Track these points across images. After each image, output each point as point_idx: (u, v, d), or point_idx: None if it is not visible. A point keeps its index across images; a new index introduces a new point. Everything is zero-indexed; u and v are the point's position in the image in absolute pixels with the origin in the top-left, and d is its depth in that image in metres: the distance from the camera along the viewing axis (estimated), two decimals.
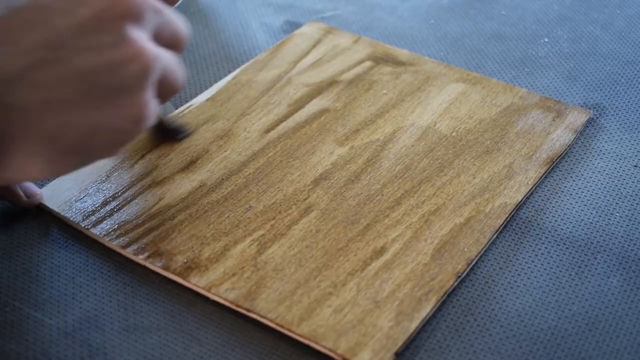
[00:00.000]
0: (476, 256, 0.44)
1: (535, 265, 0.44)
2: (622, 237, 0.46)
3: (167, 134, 0.51)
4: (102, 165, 0.49)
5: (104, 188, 0.48)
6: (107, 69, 0.33)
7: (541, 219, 0.47)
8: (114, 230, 0.45)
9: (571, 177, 0.50)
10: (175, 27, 0.38)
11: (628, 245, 0.45)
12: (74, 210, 0.46)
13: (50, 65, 0.32)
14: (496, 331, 0.40)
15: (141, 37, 0.35)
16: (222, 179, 0.48)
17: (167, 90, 0.38)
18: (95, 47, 0.33)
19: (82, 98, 0.34)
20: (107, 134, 0.35)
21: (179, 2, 0.39)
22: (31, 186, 0.46)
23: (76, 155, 0.35)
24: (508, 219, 0.46)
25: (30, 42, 0.32)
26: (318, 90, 0.56)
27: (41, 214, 0.47)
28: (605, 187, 0.49)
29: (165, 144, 0.51)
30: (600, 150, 0.52)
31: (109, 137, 0.36)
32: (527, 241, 0.45)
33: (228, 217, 0.46)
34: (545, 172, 0.49)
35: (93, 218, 0.46)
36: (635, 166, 0.50)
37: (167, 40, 0.37)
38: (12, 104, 0.32)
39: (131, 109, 0.35)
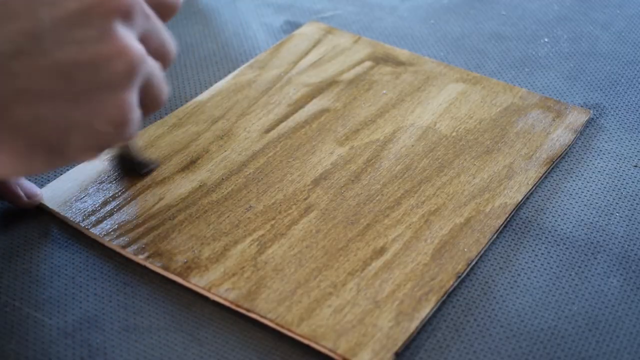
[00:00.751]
0: (476, 256, 0.44)
1: (535, 265, 0.44)
2: (622, 237, 0.46)
3: (132, 167, 0.48)
4: (102, 165, 0.49)
5: (104, 188, 0.48)
6: (89, 64, 0.33)
7: (541, 219, 0.47)
8: (114, 230, 0.45)
9: (571, 177, 0.50)
10: (163, 37, 0.37)
11: (628, 245, 0.45)
12: (74, 210, 0.46)
13: (28, 56, 0.31)
14: (496, 331, 0.40)
15: (129, 35, 0.34)
16: (222, 179, 0.48)
17: (150, 101, 0.37)
18: (79, 41, 0.32)
19: (60, 92, 0.33)
20: (83, 133, 0.34)
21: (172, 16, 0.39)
22: (32, 187, 0.46)
23: (48, 152, 0.34)
24: (508, 219, 0.46)
25: (10, 31, 0.31)
26: (318, 90, 0.56)
27: (41, 214, 0.47)
28: (605, 187, 0.49)
29: (128, 176, 0.48)
30: (600, 150, 0.52)
31: (85, 137, 0.34)
32: (527, 241, 0.45)
33: (228, 217, 0.46)
34: (545, 172, 0.49)
35: (93, 218, 0.46)
36: (635, 166, 0.50)
37: (155, 48, 0.37)
38: None
39: (112, 109, 0.34)
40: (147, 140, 0.51)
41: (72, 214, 0.46)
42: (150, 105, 0.37)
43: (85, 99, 0.33)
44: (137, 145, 0.48)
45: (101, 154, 0.37)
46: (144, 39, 0.36)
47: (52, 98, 0.33)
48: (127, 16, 0.34)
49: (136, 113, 0.36)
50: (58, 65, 0.32)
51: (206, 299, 0.42)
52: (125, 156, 0.48)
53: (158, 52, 0.37)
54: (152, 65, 0.36)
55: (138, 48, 0.34)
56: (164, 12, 0.38)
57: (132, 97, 0.35)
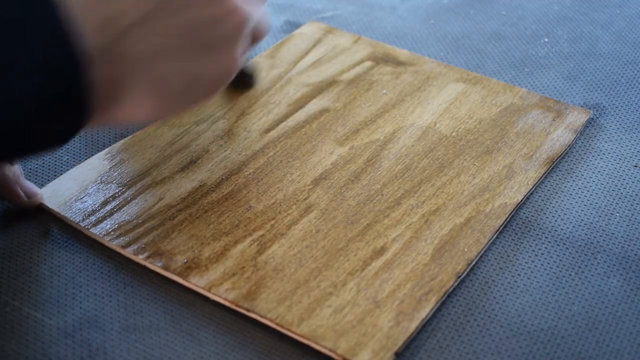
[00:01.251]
0: (476, 256, 0.44)
1: (535, 265, 0.44)
2: (622, 237, 0.46)
3: (241, 80, 0.53)
4: (102, 165, 0.49)
5: (104, 188, 0.48)
6: (208, 23, 0.37)
7: (541, 219, 0.47)
8: (114, 230, 0.45)
9: (571, 177, 0.50)
10: None
11: (628, 245, 0.45)
12: (74, 210, 0.46)
13: (163, 16, 0.35)
14: (496, 331, 0.40)
15: None
16: (222, 179, 0.48)
17: (255, 38, 0.42)
18: (197, 3, 0.36)
19: (186, 48, 0.37)
20: (204, 81, 0.39)
21: None
22: (31, 186, 0.46)
23: (179, 99, 0.38)
24: (508, 219, 0.46)
25: None
26: (318, 90, 0.56)
27: (41, 214, 0.47)
28: (605, 187, 0.49)
29: (237, 90, 0.54)
30: (600, 150, 0.52)
31: (206, 84, 0.39)
32: (527, 241, 0.45)
33: (228, 217, 0.46)
34: (545, 172, 0.49)
35: (93, 218, 0.46)
36: (635, 166, 0.50)
37: None
38: (128, 49, 0.35)
39: (225, 61, 0.39)
40: (147, 140, 0.51)
41: (72, 214, 0.46)
42: (256, 40, 0.42)
43: (205, 54, 0.37)
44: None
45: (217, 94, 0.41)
46: None
47: (180, 53, 0.37)
48: None
49: (243, 58, 0.40)
50: (185, 24, 0.36)
51: (206, 299, 0.42)
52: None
53: None
54: (257, 12, 0.40)
55: (245, 8, 0.38)
56: None
57: (241, 48, 0.39)
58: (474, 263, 0.43)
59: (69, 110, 0.34)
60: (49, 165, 0.50)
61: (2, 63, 0.31)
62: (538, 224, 0.46)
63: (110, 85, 0.35)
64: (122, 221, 0.45)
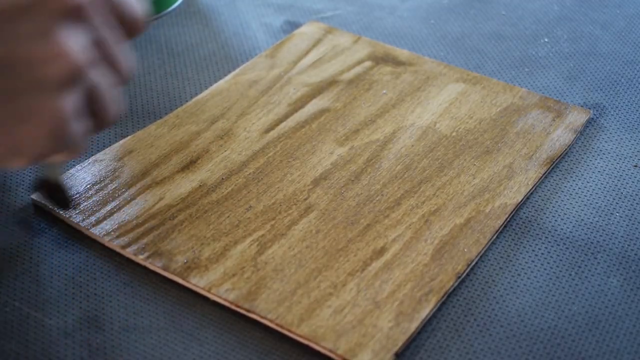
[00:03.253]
0: (476, 256, 0.44)
1: (535, 265, 0.44)
2: (622, 237, 0.46)
3: (55, 195, 0.44)
4: (102, 165, 0.49)
5: (104, 188, 0.48)
6: (23, 61, 0.30)
7: (541, 219, 0.47)
8: (114, 230, 0.45)
9: (571, 177, 0.50)
10: (119, 50, 0.34)
11: (628, 245, 0.45)
12: (74, 210, 0.46)
13: None
14: (496, 331, 0.40)
15: (73, 38, 0.31)
16: (222, 179, 0.48)
17: (97, 115, 0.34)
18: (18, 37, 0.30)
19: None
20: (12, 136, 0.32)
21: (144, 31, 0.36)
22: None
23: None
24: (508, 219, 0.46)
25: None
26: (318, 90, 0.56)
27: (41, 214, 0.47)
28: (605, 187, 0.49)
29: (51, 203, 0.45)
30: (600, 150, 0.52)
31: (14, 141, 0.32)
32: (527, 241, 0.45)
33: (228, 217, 0.46)
34: (545, 172, 0.49)
35: (93, 218, 0.46)
36: (635, 166, 0.50)
37: (109, 60, 0.34)
38: None
39: (43, 114, 0.31)
40: (147, 140, 0.51)
41: (72, 214, 0.46)
42: (98, 119, 0.35)
43: (16, 99, 0.31)
44: (60, 175, 0.45)
45: (33, 163, 0.34)
46: (97, 46, 0.33)
47: None
48: (76, 16, 0.31)
49: (74, 124, 0.33)
50: None
51: (206, 299, 0.42)
52: (51, 183, 0.43)
53: (112, 64, 0.34)
54: (100, 76, 0.33)
55: (79, 54, 0.31)
56: (129, 29, 0.35)
57: (68, 106, 0.32)
58: (474, 263, 0.44)
59: None
60: None
61: None
62: (538, 224, 0.46)
63: None
64: (122, 221, 0.45)
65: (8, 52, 0.30)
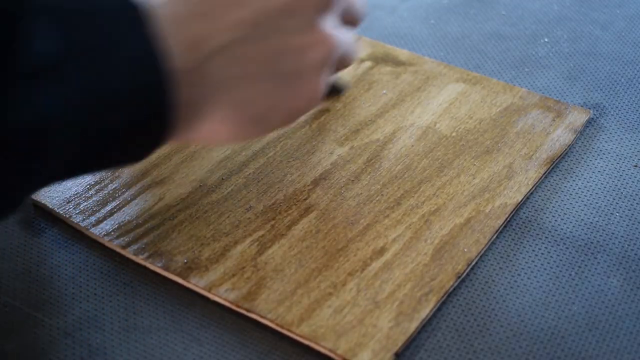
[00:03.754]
0: (476, 256, 0.44)
1: (535, 265, 0.44)
2: (622, 237, 0.46)
3: (331, 91, 0.53)
4: None
5: (104, 188, 0.48)
6: (296, 51, 0.37)
7: (541, 219, 0.47)
8: (114, 230, 0.45)
9: (571, 177, 0.50)
10: (357, 8, 0.42)
11: (628, 245, 0.45)
12: (74, 210, 0.46)
13: (250, 42, 0.35)
14: (496, 331, 0.40)
15: (327, 24, 0.38)
16: (222, 179, 0.48)
17: (342, 65, 0.42)
18: (286, 31, 0.36)
19: (269, 76, 0.37)
20: (284, 109, 0.39)
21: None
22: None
23: (258, 125, 0.38)
24: (508, 219, 0.46)
25: (235, 19, 0.35)
26: None
27: (41, 214, 0.47)
28: (605, 187, 0.49)
29: (327, 99, 0.53)
30: (600, 150, 0.52)
31: (286, 112, 0.39)
32: (527, 241, 0.45)
33: (228, 217, 0.46)
34: (545, 172, 0.49)
35: (93, 218, 0.46)
36: (635, 166, 0.50)
37: (349, 20, 0.42)
38: (211, 73, 0.35)
39: (308, 91, 0.38)
40: None
41: (72, 214, 0.46)
42: (342, 67, 0.43)
43: (289, 83, 0.38)
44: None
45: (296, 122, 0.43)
46: (341, 17, 0.41)
47: (264, 80, 0.37)
48: (327, 7, 0.38)
49: (326, 85, 0.40)
50: (271, 51, 0.36)
51: (206, 299, 0.42)
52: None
53: (352, 22, 0.42)
54: (346, 41, 0.40)
55: (335, 37, 0.38)
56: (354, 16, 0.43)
57: (324, 78, 0.39)
58: (474, 263, 0.43)
59: (152, 129, 0.34)
60: None
61: (94, 79, 0.32)
62: (538, 224, 0.46)
63: (191, 107, 0.35)
64: (122, 221, 0.45)
65: (282, 45, 0.36)
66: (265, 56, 0.36)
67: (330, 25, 0.38)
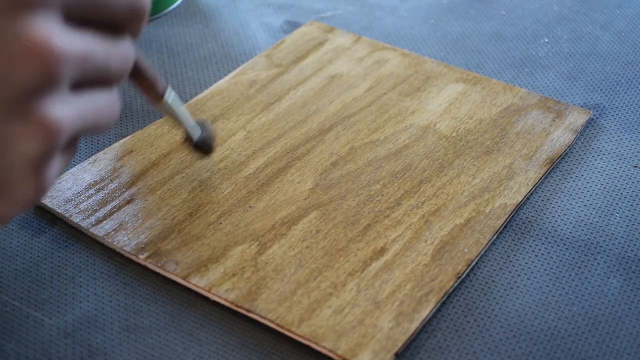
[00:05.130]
0: (476, 257, 0.44)
1: (535, 266, 0.44)
2: (622, 237, 0.46)
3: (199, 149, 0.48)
4: (102, 165, 0.49)
5: (104, 188, 0.48)
6: None
7: (541, 219, 0.47)
8: (114, 230, 0.45)
9: (571, 177, 0.50)
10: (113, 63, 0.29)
11: (628, 246, 0.45)
12: (74, 210, 0.46)
13: None
14: (496, 331, 0.40)
15: (50, 102, 0.27)
16: (222, 178, 0.48)
17: (97, 124, 0.30)
18: None
19: None
20: None
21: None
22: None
23: None
24: (508, 219, 0.46)
25: None
26: (318, 90, 0.56)
27: (41, 213, 0.47)
28: (605, 188, 0.49)
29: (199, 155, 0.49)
30: (600, 151, 0.52)
31: None
32: (527, 241, 0.45)
33: (228, 217, 0.46)
34: (545, 172, 0.49)
35: (93, 218, 0.46)
36: (635, 166, 0.50)
37: (101, 77, 0.29)
38: None
39: (14, 197, 0.28)
40: (147, 140, 0.51)
41: (72, 214, 0.46)
42: (99, 127, 0.31)
43: None
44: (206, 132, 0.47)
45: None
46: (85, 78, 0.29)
47: None
48: (46, 84, 0.26)
49: (52, 176, 0.29)
50: None
51: (206, 299, 0.42)
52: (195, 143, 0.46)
53: (105, 80, 0.29)
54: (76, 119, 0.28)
55: (56, 121, 0.27)
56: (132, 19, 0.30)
57: (49, 172, 0.29)
58: (474, 263, 0.44)
59: None
60: None
61: None
62: (538, 224, 0.46)
63: None
64: (122, 221, 0.45)
65: None
66: None
67: (54, 103, 0.27)
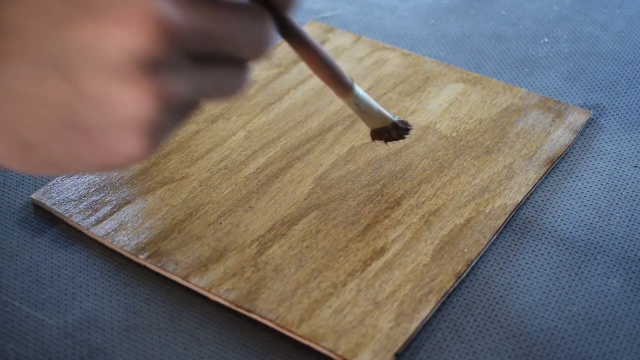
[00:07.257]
0: (476, 257, 0.44)
1: (535, 266, 0.44)
2: (622, 237, 0.46)
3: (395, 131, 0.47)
4: None
5: (104, 188, 0.48)
6: (89, 101, 0.27)
7: (541, 219, 0.47)
8: (114, 230, 0.45)
9: (571, 177, 0.50)
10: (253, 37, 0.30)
11: (628, 246, 0.45)
12: (74, 210, 0.46)
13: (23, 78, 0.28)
14: (496, 331, 0.40)
15: (165, 73, 0.27)
16: (223, 179, 0.48)
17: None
18: (84, 73, 0.27)
19: (56, 121, 0.28)
20: (85, 160, 0.30)
21: None
22: None
23: (52, 166, 0.30)
24: (508, 219, 0.46)
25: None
26: (318, 89, 0.56)
27: (41, 214, 0.47)
28: (605, 188, 0.49)
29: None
30: (600, 151, 0.52)
31: (88, 164, 0.30)
32: (527, 241, 0.45)
33: (228, 217, 0.46)
34: (545, 172, 0.49)
35: (93, 218, 0.46)
36: (635, 166, 0.50)
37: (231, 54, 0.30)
38: None
39: (118, 150, 0.29)
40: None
41: (72, 214, 0.46)
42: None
43: (86, 136, 0.29)
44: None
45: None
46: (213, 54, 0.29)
47: (49, 127, 0.28)
48: (165, 52, 0.27)
49: (159, 142, 0.29)
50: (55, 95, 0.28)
51: (206, 299, 0.42)
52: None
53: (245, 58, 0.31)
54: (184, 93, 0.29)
55: (167, 93, 0.28)
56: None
57: (159, 135, 0.29)
58: (474, 263, 0.44)
59: None
60: None
61: None
62: (538, 224, 0.46)
63: None
64: (122, 221, 0.45)
65: (73, 89, 0.28)
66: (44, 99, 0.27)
67: (165, 71, 0.27)
